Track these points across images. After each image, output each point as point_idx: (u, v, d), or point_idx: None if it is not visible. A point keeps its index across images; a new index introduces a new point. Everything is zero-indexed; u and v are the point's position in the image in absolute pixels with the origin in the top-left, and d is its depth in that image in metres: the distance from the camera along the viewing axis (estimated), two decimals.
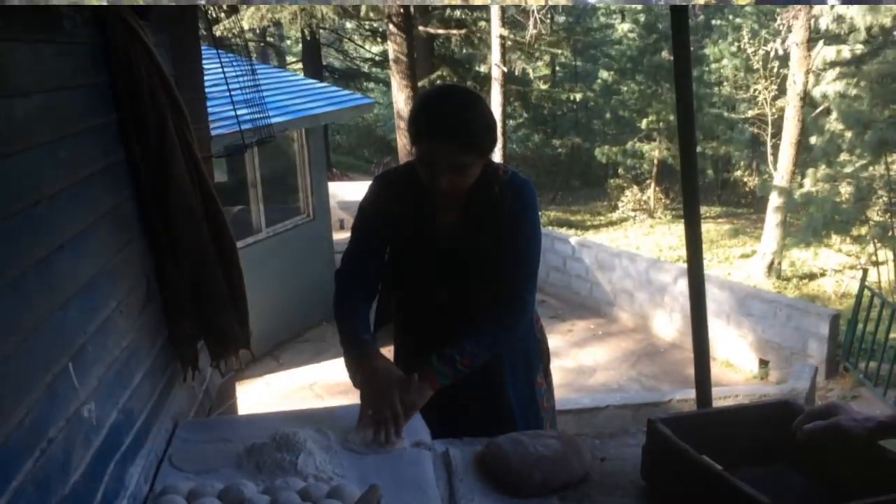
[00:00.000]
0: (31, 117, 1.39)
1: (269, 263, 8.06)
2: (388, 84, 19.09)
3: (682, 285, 8.72)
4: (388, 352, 2.39)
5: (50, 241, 1.38)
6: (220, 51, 3.85)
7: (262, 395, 7.31)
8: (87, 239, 1.56)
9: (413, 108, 2.02)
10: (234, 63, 3.54)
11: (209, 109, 2.89)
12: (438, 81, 17.07)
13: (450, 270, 2.08)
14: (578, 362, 8.27)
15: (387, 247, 2.15)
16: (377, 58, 23.05)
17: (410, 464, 1.79)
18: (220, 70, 3.14)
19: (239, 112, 3.11)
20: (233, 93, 3.22)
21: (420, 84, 16.58)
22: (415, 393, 1.94)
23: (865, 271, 8.45)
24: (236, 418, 2.37)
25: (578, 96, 19.23)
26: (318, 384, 7.36)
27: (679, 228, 16.78)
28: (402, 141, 15.14)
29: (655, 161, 17.93)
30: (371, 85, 24.77)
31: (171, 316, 2.00)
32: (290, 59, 27.27)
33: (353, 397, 2.01)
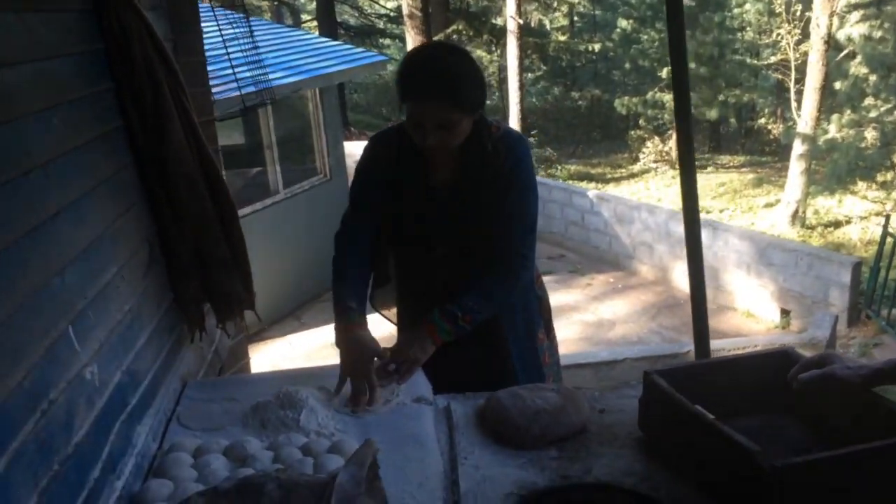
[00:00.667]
0: (21, 87, 1.40)
1: (287, 224, 8.11)
2: (403, 40, 18.88)
3: (704, 236, 8.66)
4: (391, 314, 2.43)
5: (44, 209, 1.40)
6: (218, 9, 3.80)
7: (284, 354, 7.43)
8: (84, 206, 1.59)
9: (399, 67, 2.00)
10: (234, 23, 3.50)
11: (211, 71, 2.89)
12: (454, 36, 16.87)
13: (445, 227, 2.09)
14: (598, 316, 8.28)
15: (381, 206, 2.15)
16: (392, 13, 22.78)
17: (411, 418, 1.82)
18: (219, 31, 3.10)
19: (238, 74, 3.07)
20: (231, 54, 3.18)
21: (435, 39, 16.40)
22: (416, 348, 1.97)
23: (888, 217, 8.31)
24: (243, 378, 2.43)
25: (597, 47, 18.91)
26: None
27: (702, 178, 16.59)
28: None
29: None
30: (387, 41, 24.53)
31: (176, 279, 2.04)
32: (304, 17, 27.02)
33: None
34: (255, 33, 9.32)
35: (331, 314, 2.05)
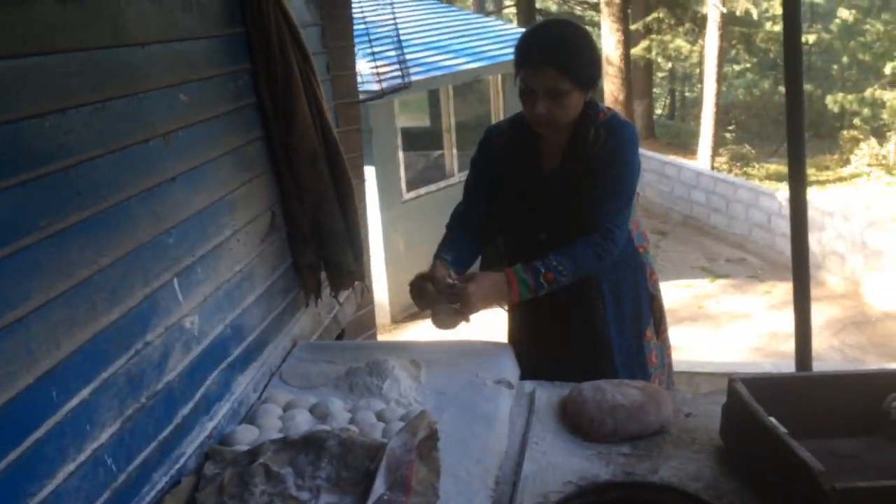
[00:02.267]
0: (149, 65, 1.59)
1: None
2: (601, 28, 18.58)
3: None
4: None
5: (160, 174, 1.59)
6: None
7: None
8: (203, 173, 1.78)
9: (517, 41, 2.07)
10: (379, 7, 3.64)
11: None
12: (654, 24, 16.36)
13: (549, 212, 2.11)
14: (773, 327, 7.78)
15: (494, 198, 2.20)
16: (593, 0, 22.41)
17: (487, 399, 1.87)
18: (362, 16, 3.26)
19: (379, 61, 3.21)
20: (374, 41, 3.33)
21: (633, 27, 15.99)
22: (485, 285, 1.98)
23: None
24: (348, 344, 2.58)
25: (812, 38, 17.51)
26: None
27: None
28: (610, 87, 14.76)
29: None
30: (586, 29, 24.18)
31: (294, 247, 2.21)
32: (507, 2, 27.26)
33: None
34: (443, 20, 9.60)
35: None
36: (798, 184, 2.18)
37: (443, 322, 2.01)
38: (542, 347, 2.21)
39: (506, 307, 2.25)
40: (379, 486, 1.45)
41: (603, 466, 1.67)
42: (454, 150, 8.63)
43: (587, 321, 2.17)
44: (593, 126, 2.04)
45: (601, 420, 1.78)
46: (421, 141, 9.13)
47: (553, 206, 2.10)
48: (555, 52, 1.94)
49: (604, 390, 1.85)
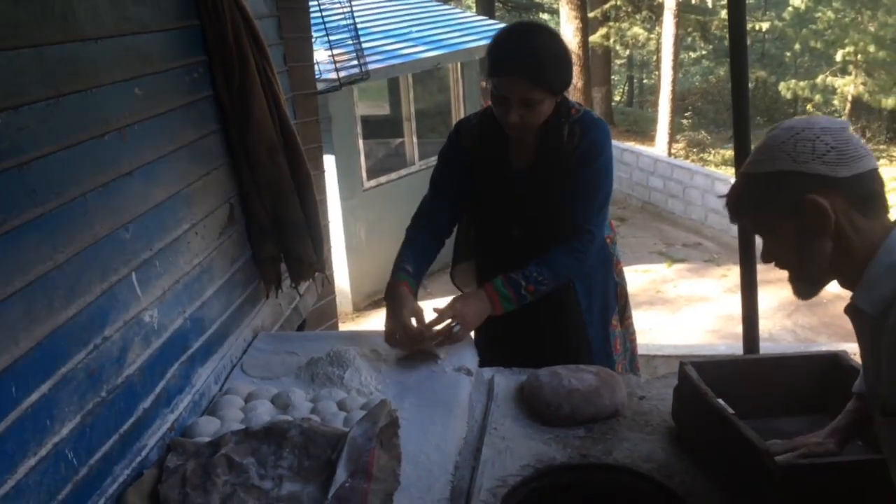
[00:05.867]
0: (103, 60, 1.59)
1: (421, 195, 8.32)
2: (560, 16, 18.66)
3: None
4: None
5: (116, 169, 1.59)
6: None
7: None
8: (160, 167, 1.77)
9: (489, 44, 2.05)
10: None
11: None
12: (612, 12, 16.48)
13: (521, 209, 2.14)
14: (729, 309, 7.94)
15: (462, 192, 2.21)
16: None
17: (447, 386, 1.91)
18: (318, 5, 3.26)
19: (336, 49, 3.22)
20: (329, 30, 3.34)
21: (591, 15, 16.08)
22: (470, 307, 2.03)
23: None
24: (308, 334, 2.59)
25: (765, 25, 17.80)
26: None
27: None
28: None
29: (850, 98, 16.37)
30: (546, 17, 24.28)
31: (254, 239, 2.21)
32: None
33: None
34: (402, 7, 9.57)
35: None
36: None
37: (426, 357, 2.04)
38: (516, 344, 2.23)
39: None
40: (341, 474, 1.48)
41: (560, 449, 1.72)
42: (414, 139, 8.63)
43: (562, 316, 2.20)
44: (566, 123, 2.05)
45: (557, 404, 1.82)
46: (381, 129, 9.11)
47: (526, 203, 2.12)
48: (528, 62, 1.93)
49: (560, 375, 1.90)
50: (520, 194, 2.13)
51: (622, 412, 1.85)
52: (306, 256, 2.26)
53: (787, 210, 1.23)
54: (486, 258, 2.34)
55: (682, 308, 8.12)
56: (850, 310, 1.24)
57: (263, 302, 2.33)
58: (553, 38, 2.03)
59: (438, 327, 2.03)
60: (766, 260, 1.33)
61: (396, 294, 2.02)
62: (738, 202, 1.33)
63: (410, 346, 2.02)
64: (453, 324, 2.02)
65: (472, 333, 2.14)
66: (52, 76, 1.40)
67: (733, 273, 8.88)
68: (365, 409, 1.77)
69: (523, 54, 1.95)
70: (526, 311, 2.10)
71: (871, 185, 1.21)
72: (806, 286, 1.31)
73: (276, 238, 2.24)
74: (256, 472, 1.52)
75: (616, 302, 2.33)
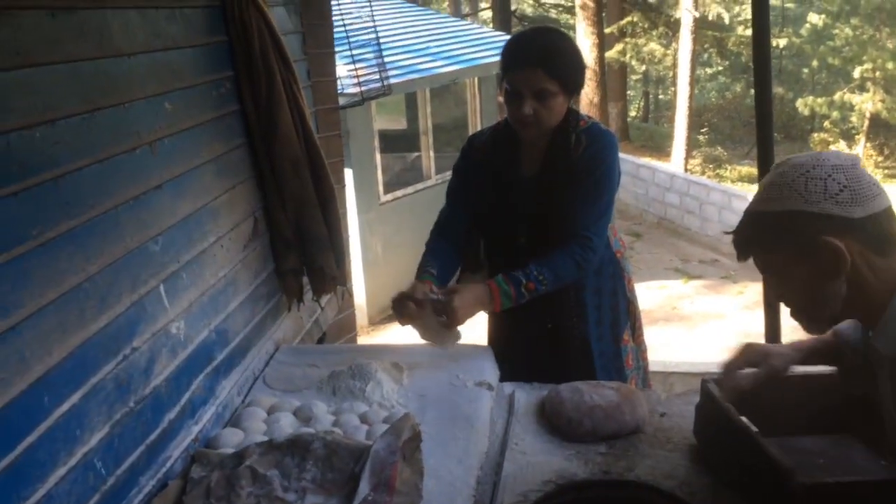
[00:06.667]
0: (134, 75, 1.62)
1: (437, 208, 8.35)
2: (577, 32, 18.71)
3: None
4: None
5: (146, 182, 1.62)
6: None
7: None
8: (188, 181, 1.80)
9: (504, 46, 2.13)
10: (360, 14, 3.69)
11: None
12: (628, 28, 16.52)
13: (529, 216, 2.16)
14: (746, 326, 7.90)
15: (476, 203, 2.25)
16: (567, 4, 22.58)
17: (468, 400, 1.91)
18: (342, 22, 3.30)
19: (359, 65, 3.25)
20: (353, 46, 3.37)
21: (608, 31, 16.13)
22: (468, 296, 2.02)
23: None
24: (329, 347, 2.61)
25: (782, 42, 17.81)
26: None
27: (891, 189, 15.28)
28: (585, 90, 14.85)
29: (868, 114, 16.31)
30: (572, 37, 24.30)
31: (277, 252, 2.24)
32: (482, 5, 27.34)
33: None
34: (420, 23, 9.63)
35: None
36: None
37: (434, 337, 2.05)
38: (521, 352, 2.25)
39: None
40: (363, 488, 1.49)
41: (581, 465, 1.72)
42: (431, 153, 8.68)
43: (568, 328, 2.22)
44: (574, 132, 2.10)
45: (579, 420, 1.82)
46: (398, 143, 9.17)
47: (531, 210, 2.15)
48: (543, 54, 2.00)
49: (581, 391, 1.90)
50: (526, 201, 2.16)
51: (643, 429, 1.85)
52: (329, 269, 2.28)
53: (800, 252, 1.20)
54: (497, 268, 2.36)
55: (699, 325, 8.08)
56: (869, 351, 1.21)
57: (285, 315, 2.35)
58: (566, 38, 2.15)
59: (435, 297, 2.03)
60: (773, 299, 1.30)
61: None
62: (747, 241, 1.29)
63: (412, 312, 2.01)
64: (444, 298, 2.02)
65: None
66: (87, 91, 1.44)
67: (750, 290, 8.85)
68: (387, 422, 1.78)
69: (538, 47, 2.04)
70: (536, 322, 2.17)
71: (886, 225, 1.18)
72: (818, 325, 1.28)
73: (299, 251, 2.26)
74: (280, 484, 1.53)
75: (627, 318, 2.33)
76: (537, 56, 2.00)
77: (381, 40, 5.77)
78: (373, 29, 3.83)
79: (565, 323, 2.21)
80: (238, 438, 1.74)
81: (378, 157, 7.95)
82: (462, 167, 2.30)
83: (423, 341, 2.15)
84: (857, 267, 1.17)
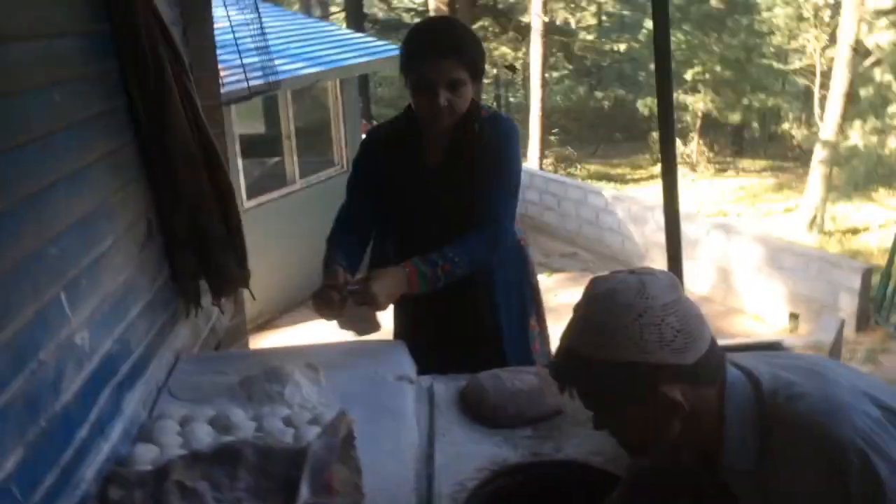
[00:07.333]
0: (25, 62, 1.47)
1: (303, 214, 8.17)
2: None
3: (716, 238, 8.65)
4: None
5: (39, 180, 1.47)
6: None
7: (297, 341, 7.52)
8: (82, 178, 1.66)
9: (406, 38, 2.10)
10: (245, 10, 3.58)
11: (223, 58, 2.97)
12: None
13: (438, 207, 2.16)
14: None
15: (378, 196, 2.22)
16: (420, 8, 22.80)
17: (391, 395, 1.88)
18: (227, 17, 3.18)
19: (246, 60, 3.15)
20: (241, 41, 3.25)
21: None
22: (385, 281, 1.98)
23: None
24: (234, 353, 2.50)
25: (622, 47, 18.84)
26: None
27: (722, 182, 16.55)
28: None
29: (700, 114, 17.55)
30: None
31: (172, 255, 2.11)
32: (333, 9, 27.11)
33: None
34: (279, 24, 9.40)
35: None
36: (671, 185, 2.37)
37: (355, 327, 2.00)
38: (430, 342, 2.24)
39: None
40: (304, 491, 1.43)
41: (511, 450, 1.73)
42: (295, 157, 8.48)
43: (477, 315, 2.23)
44: (477, 122, 2.11)
45: (503, 406, 1.84)
46: (258, 147, 8.89)
47: (440, 200, 2.15)
48: (454, 42, 2.01)
49: (501, 378, 1.92)
50: (434, 192, 2.17)
51: (564, 410, 1.89)
52: (229, 271, 2.17)
53: (636, 400, 1.17)
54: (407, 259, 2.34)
55: (565, 315, 8.30)
56: (728, 476, 1.20)
57: (182, 322, 2.21)
58: (466, 26, 2.20)
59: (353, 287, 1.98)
60: (598, 428, 1.27)
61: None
62: (573, 382, 1.24)
63: (334, 306, 1.95)
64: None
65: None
66: None
67: None
68: (313, 423, 1.72)
69: (448, 36, 2.05)
70: (444, 310, 2.17)
71: (713, 358, 1.18)
72: (644, 457, 1.30)
73: (197, 252, 2.14)
74: (212, 497, 1.44)
75: (533, 304, 2.38)
76: (448, 45, 2.00)
77: (239, 42, 5.59)
78: (256, 23, 3.70)
79: (476, 312, 2.23)
80: (153, 454, 1.62)
81: (240, 162, 7.66)
82: (361, 160, 2.28)
83: (326, 340, 2.10)
84: (693, 406, 1.16)
